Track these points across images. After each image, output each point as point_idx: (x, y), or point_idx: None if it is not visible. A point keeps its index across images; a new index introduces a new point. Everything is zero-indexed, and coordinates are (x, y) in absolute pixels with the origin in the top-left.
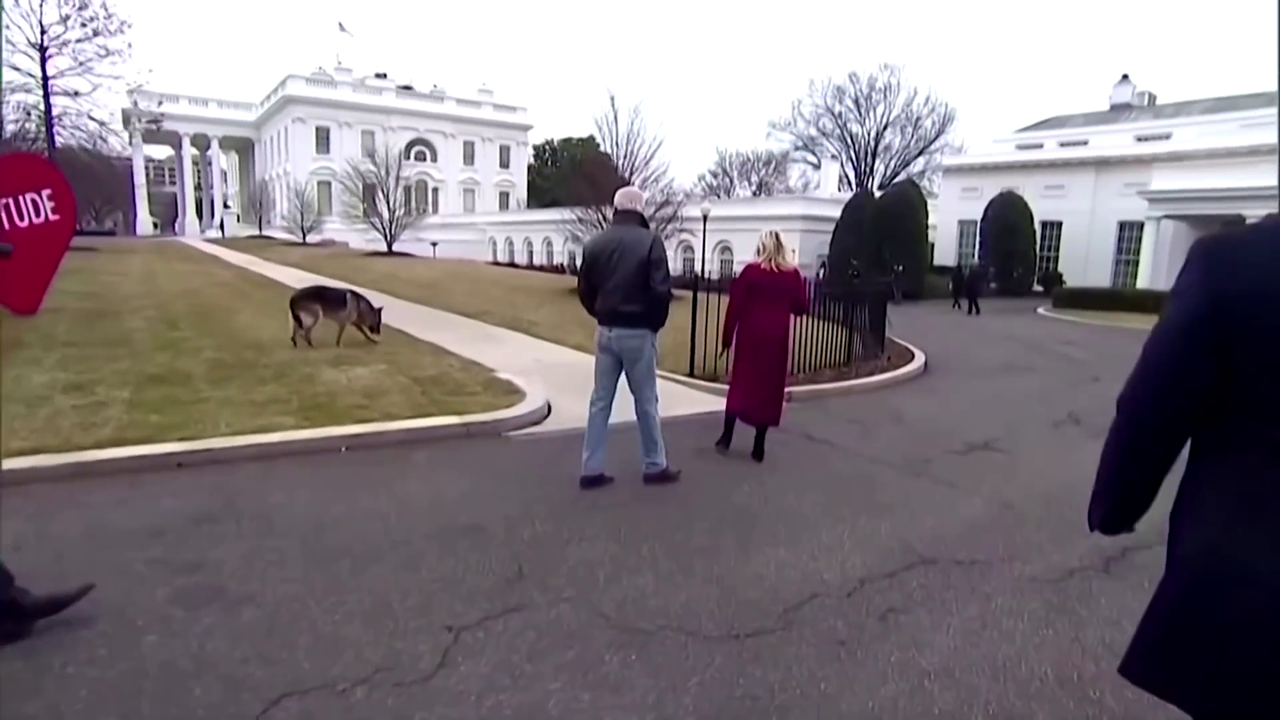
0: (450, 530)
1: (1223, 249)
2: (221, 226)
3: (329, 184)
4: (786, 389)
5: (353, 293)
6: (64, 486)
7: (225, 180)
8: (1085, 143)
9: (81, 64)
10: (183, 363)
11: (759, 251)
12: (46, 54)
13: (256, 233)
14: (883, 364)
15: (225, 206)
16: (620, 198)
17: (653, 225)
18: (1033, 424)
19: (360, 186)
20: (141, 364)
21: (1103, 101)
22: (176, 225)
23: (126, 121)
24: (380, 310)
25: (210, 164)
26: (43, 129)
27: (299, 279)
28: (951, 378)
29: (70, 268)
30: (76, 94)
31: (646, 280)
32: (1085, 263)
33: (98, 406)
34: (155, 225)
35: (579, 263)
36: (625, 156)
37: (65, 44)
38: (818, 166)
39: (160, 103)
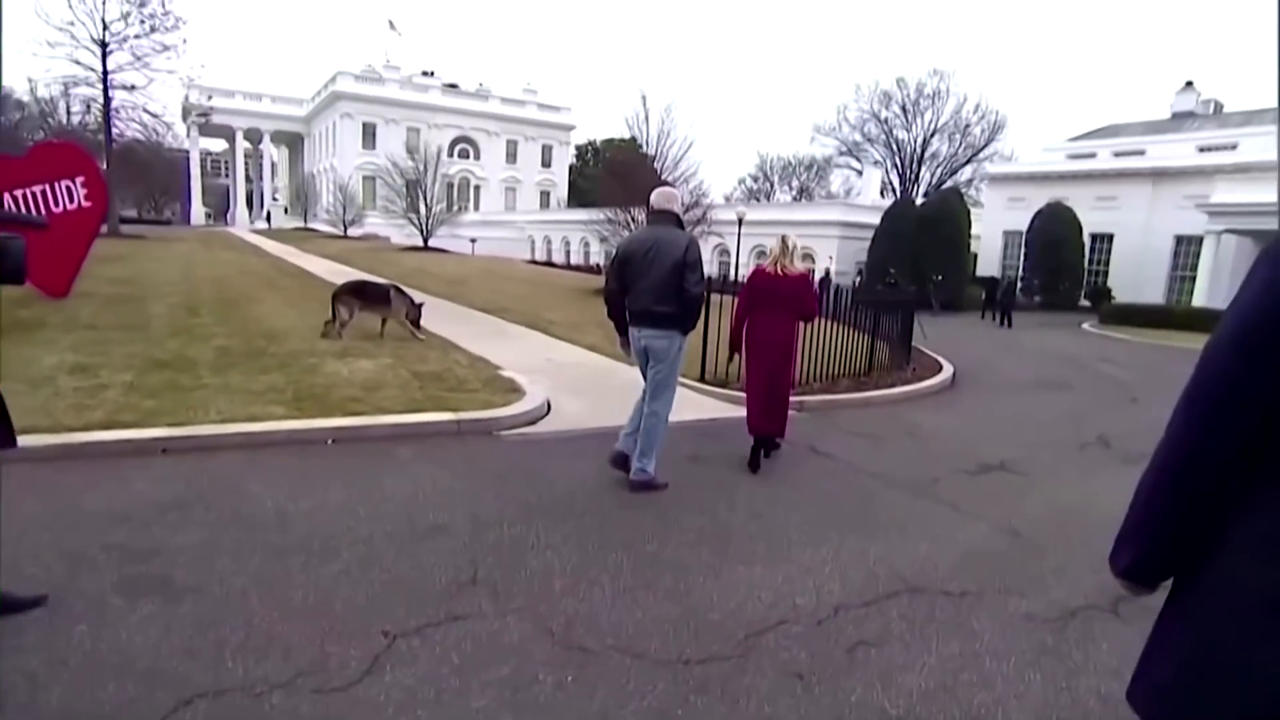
0: (415, 530)
1: None
2: (268, 218)
3: (374, 179)
4: (794, 399)
5: (396, 288)
6: (45, 467)
7: (275, 173)
8: (1142, 152)
9: (139, 58)
10: (192, 349)
11: (768, 255)
12: (107, 49)
13: (301, 225)
14: (906, 375)
15: (273, 199)
16: (656, 197)
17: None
18: (1057, 445)
19: (400, 182)
20: (151, 349)
21: (1164, 110)
22: (229, 216)
23: (185, 115)
24: (421, 305)
25: (262, 157)
26: (101, 121)
27: (329, 270)
28: (979, 393)
29: (116, 254)
30: (133, 88)
31: (681, 281)
32: (1137, 278)
33: (97, 389)
34: (209, 216)
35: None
36: (656, 157)
37: (125, 40)
38: (861, 173)
39: (210, 97)
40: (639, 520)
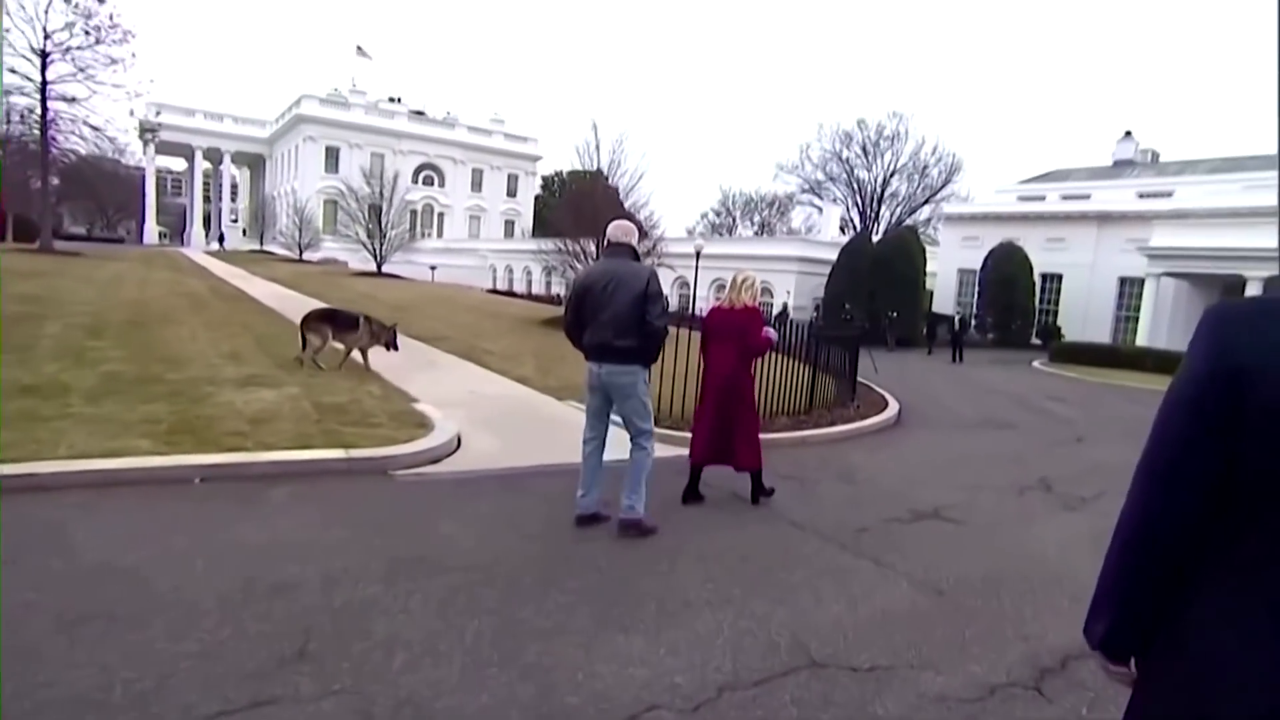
0: (253, 588)
1: (1234, 318)
2: (221, 239)
3: (335, 203)
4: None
5: (365, 316)
6: None
7: (236, 194)
8: (1088, 197)
9: (82, 70)
10: (72, 374)
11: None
12: (48, 59)
13: (257, 247)
14: (849, 414)
15: (231, 221)
16: (613, 230)
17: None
18: (997, 489)
19: (354, 206)
20: (22, 373)
21: (1106, 158)
22: (185, 236)
23: (141, 132)
24: (394, 328)
25: (222, 178)
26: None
27: (271, 295)
28: (923, 431)
29: (37, 270)
30: (74, 100)
31: (642, 315)
32: (1085, 317)
33: None
34: (164, 235)
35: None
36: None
37: (68, 50)
38: (822, 210)
39: (159, 112)
40: (518, 576)
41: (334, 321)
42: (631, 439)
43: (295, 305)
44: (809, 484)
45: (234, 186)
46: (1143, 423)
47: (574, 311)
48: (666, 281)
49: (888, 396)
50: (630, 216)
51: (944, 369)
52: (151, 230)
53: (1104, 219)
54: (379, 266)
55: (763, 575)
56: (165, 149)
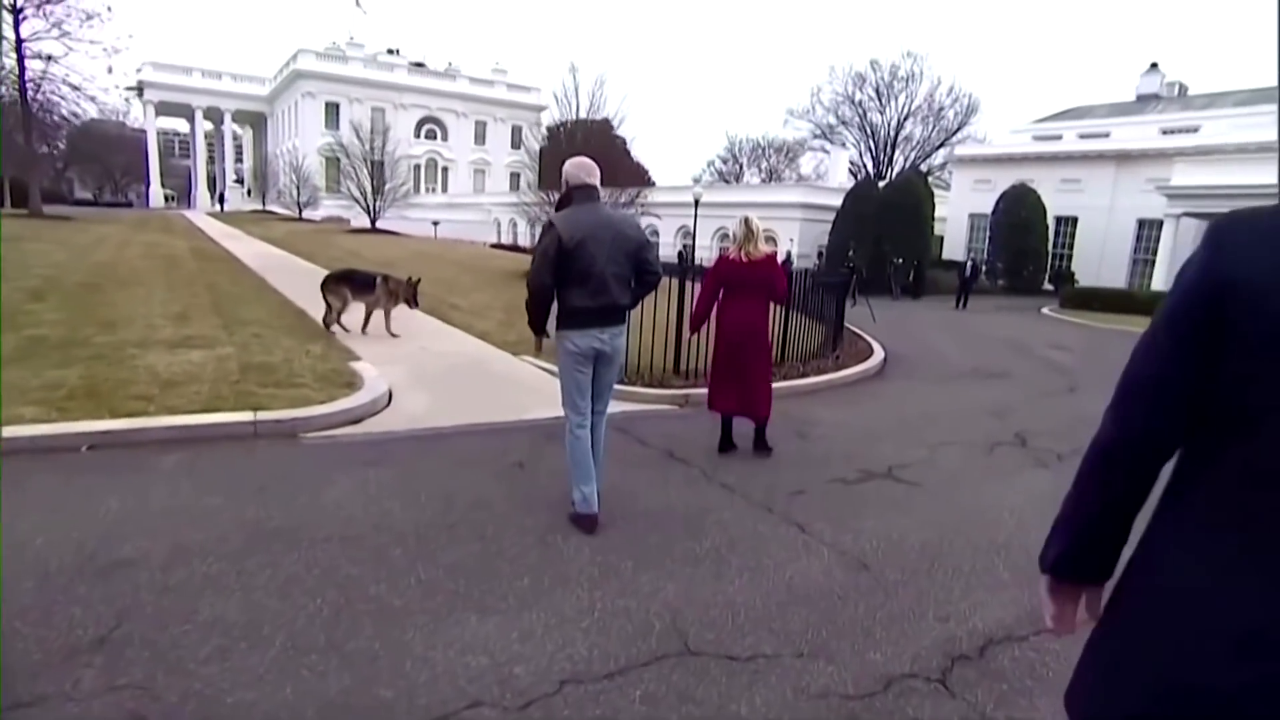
0: (87, 566)
1: (1235, 228)
2: (221, 200)
3: (337, 160)
4: (677, 392)
5: (382, 276)
6: None
7: (240, 155)
8: (1107, 135)
9: (56, 25)
10: None
11: (732, 239)
12: (20, 14)
13: (259, 207)
14: (827, 364)
15: (237, 181)
16: (574, 169)
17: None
18: (966, 445)
19: (347, 163)
20: None
21: (1130, 92)
22: (191, 198)
23: (137, 91)
24: (416, 282)
25: (222, 138)
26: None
27: (256, 254)
28: (904, 382)
29: (13, 234)
30: (50, 57)
31: (638, 269)
32: (1100, 261)
33: None
34: (171, 198)
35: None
36: (582, 136)
37: (40, 5)
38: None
39: (140, 69)
40: (389, 549)
41: (351, 282)
42: (601, 412)
43: (276, 264)
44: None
45: (239, 146)
46: None
47: (552, 273)
48: (669, 230)
49: (875, 346)
50: (632, 165)
51: (946, 317)
52: (156, 193)
53: (1123, 158)
54: (373, 223)
55: (665, 545)
56: (165, 110)
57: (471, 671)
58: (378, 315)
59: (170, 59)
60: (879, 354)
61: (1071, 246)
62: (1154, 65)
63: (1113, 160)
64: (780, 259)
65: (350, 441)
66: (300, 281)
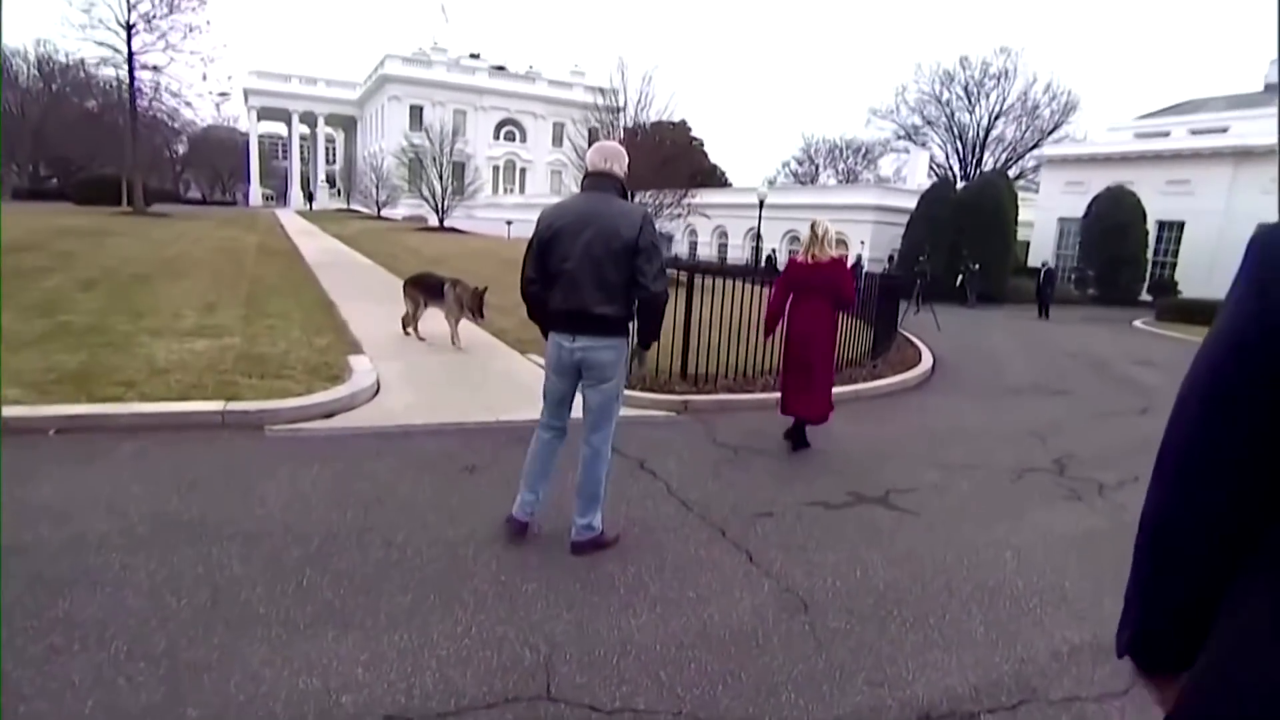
0: None
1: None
2: (310, 199)
3: (418, 160)
4: (677, 398)
5: (451, 281)
6: None
7: (330, 155)
8: (1225, 130)
9: (162, 37)
10: (24, 324)
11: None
12: (133, 30)
13: (344, 206)
14: (861, 373)
15: (327, 181)
16: (593, 155)
17: (649, 209)
18: (992, 470)
19: (416, 162)
20: None
21: (1256, 83)
22: (287, 198)
23: (246, 98)
24: (483, 291)
25: (316, 140)
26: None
27: (321, 249)
28: (947, 396)
29: (102, 228)
30: (155, 68)
31: (629, 273)
32: (1211, 270)
33: None
34: (270, 197)
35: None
36: (619, 128)
37: (151, 19)
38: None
39: (230, 77)
40: (286, 551)
41: (423, 286)
42: (586, 436)
43: (332, 259)
44: (745, 455)
45: (331, 148)
46: None
47: (535, 264)
48: (738, 233)
49: (926, 355)
50: (707, 166)
51: (1022, 326)
52: (256, 193)
53: (1243, 155)
54: (441, 222)
55: (584, 567)
56: (266, 114)
57: (295, 695)
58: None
59: (270, 67)
60: (925, 364)
61: (1176, 254)
62: None
63: (1230, 158)
64: (850, 262)
65: (312, 436)
66: (346, 276)
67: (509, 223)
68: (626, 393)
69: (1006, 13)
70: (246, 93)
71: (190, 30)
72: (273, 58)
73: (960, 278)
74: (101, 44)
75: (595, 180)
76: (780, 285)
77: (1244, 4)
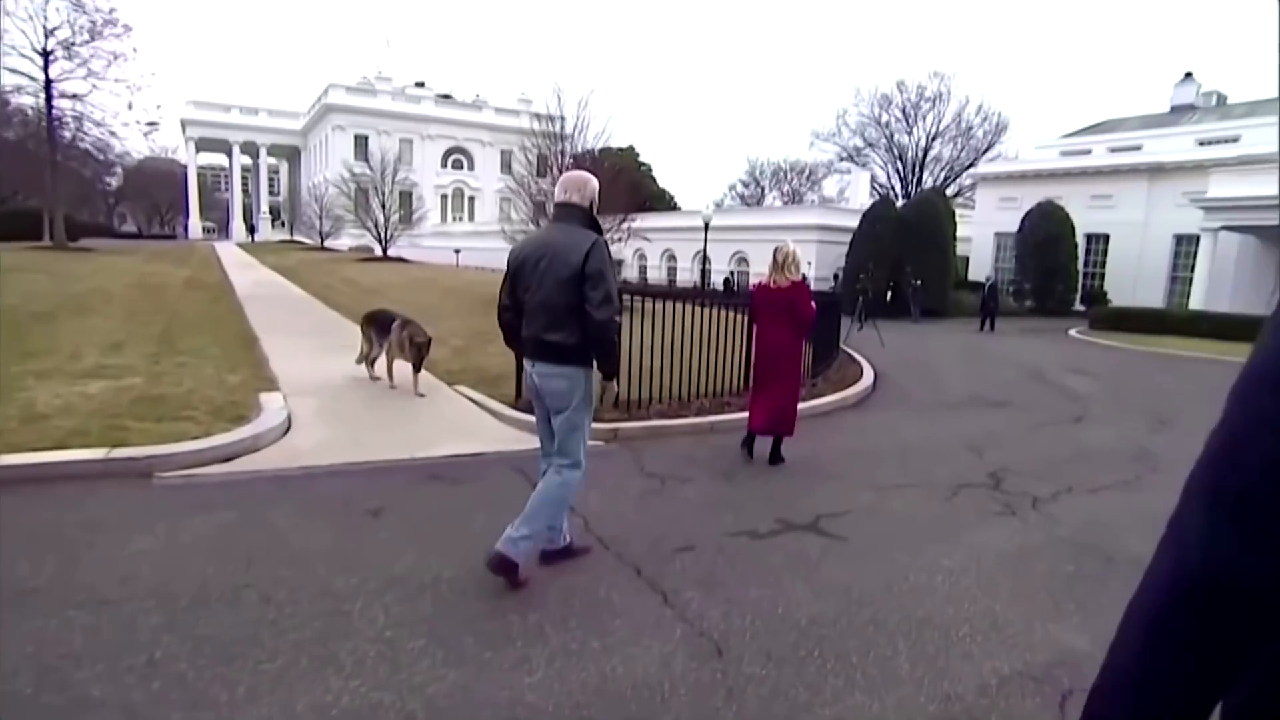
0: None
1: None
2: (252, 231)
3: (366, 191)
4: (608, 426)
5: (402, 320)
6: None
7: (275, 187)
8: (1139, 147)
9: (84, 64)
10: None
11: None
12: (50, 57)
13: (287, 237)
14: (804, 392)
15: (264, 213)
16: (560, 186)
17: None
18: (927, 487)
19: (356, 191)
20: None
21: (1164, 104)
22: (229, 230)
23: (183, 129)
24: (424, 343)
25: (258, 171)
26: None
27: (255, 281)
28: (887, 413)
29: (14, 265)
30: (76, 96)
31: (580, 300)
32: (1135, 280)
33: None
34: (211, 230)
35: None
36: (566, 154)
37: (69, 46)
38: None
39: (159, 106)
40: (144, 618)
41: (376, 324)
42: (554, 460)
43: (265, 292)
44: (673, 484)
45: (274, 179)
46: (1170, 396)
47: (508, 294)
48: (655, 254)
49: (868, 372)
50: (657, 190)
51: (965, 340)
52: (196, 225)
53: (1157, 171)
54: (384, 251)
55: (481, 617)
56: (205, 145)
57: None
58: (399, 364)
59: (209, 96)
60: (866, 381)
61: (1104, 265)
62: (1188, 75)
63: (1145, 174)
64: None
65: (206, 483)
66: (276, 308)
67: (457, 251)
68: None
69: (938, 37)
70: (184, 123)
71: (115, 58)
72: (212, 88)
73: (890, 293)
74: (14, 71)
75: (559, 211)
76: (751, 308)
77: (1151, 33)
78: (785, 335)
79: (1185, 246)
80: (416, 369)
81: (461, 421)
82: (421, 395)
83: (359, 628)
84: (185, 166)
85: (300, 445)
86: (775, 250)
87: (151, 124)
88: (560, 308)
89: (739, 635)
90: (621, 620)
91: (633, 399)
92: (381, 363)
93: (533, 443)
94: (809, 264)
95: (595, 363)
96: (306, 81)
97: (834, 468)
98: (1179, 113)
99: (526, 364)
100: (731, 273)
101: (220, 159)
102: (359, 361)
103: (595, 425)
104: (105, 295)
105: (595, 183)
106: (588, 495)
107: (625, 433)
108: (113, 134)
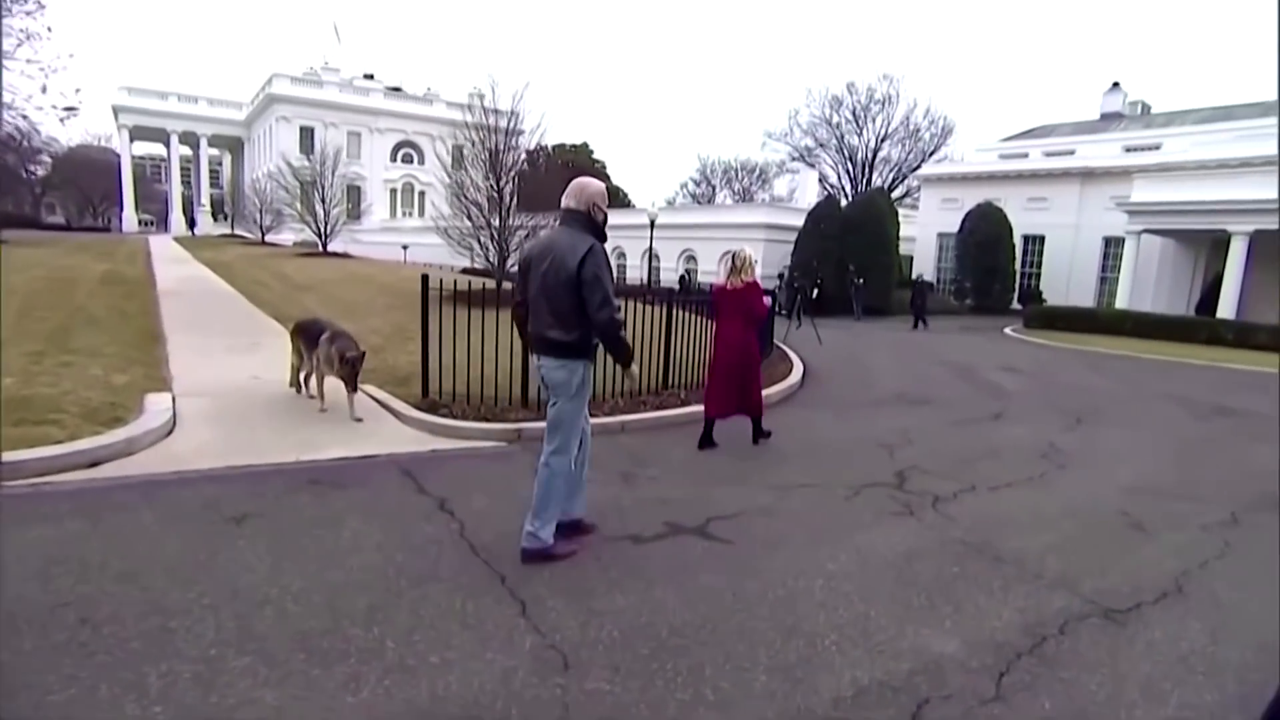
0: None
1: None
2: (192, 225)
3: (321, 186)
4: (511, 426)
5: (333, 332)
6: None
7: (218, 179)
8: (1072, 152)
9: None
10: None
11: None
12: None
13: (229, 231)
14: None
15: (213, 207)
16: (566, 193)
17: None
18: (829, 487)
19: (294, 183)
20: None
21: (1095, 112)
22: (168, 222)
23: (115, 115)
24: (355, 359)
25: (199, 162)
26: None
27: (182, 277)
28: (807, 411)
29: None
30: None
31: (578, 301)
32: (1069, 280)
33: None
34: (150, 223)
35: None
36: (504, 149)
37: None
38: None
39: (77, 90)
40: None
41: (308, 336)
42: (544, 447)
43: (189, 288)
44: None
45: (216, 171)
46: (1089, 393)
47: (521, 292)
48: (635, 253)
49: (797, 370)
50: (610, 188)
51: (901, 338)
52: (130, 218)
53: (1088, 175)
54: (323, 246)
55: (321, 632)
56: (140, 134)
57: None
58: (329, 379)
59: (145, 83)
60: (793, 378)
61: (1040, 265)
62: (1116, 84)
63: (1077, 178)
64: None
65: (58, 490)
66: (195, 305)
67: (405, 247)
68: (454, 422)
69: (889, 40)
70: (116, 110)
71: (28, 37)
72: (153, 75)
73: (816, 290)
74: None
75: (563, 215)
76: (712, 306)
77: (1086, 42)
78: (740, 330)
79: (1113, 248)
80: (351, 388)
81: (356, 425)
82: (359, 420)
83: (181, 647)
84: (119, 156)
85: (179, 449)
86: (733, 256)
87: (69, 109)
88: (560, 307)
89: (591, 647)
90: (471, 633)
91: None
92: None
93: (429, 444)
94: (756, 262)
95: (607, 354)
96: (253, 71)
97: (740, 468)
98: (1108, 120)
99: (533, 358)
100: (687, 271)
101: (159, 149)
102: (291, 383)
103: (497, 426)
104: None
105: (594, 187)
106: (475, 499)
107: (530, 433)
108: (24, 117)
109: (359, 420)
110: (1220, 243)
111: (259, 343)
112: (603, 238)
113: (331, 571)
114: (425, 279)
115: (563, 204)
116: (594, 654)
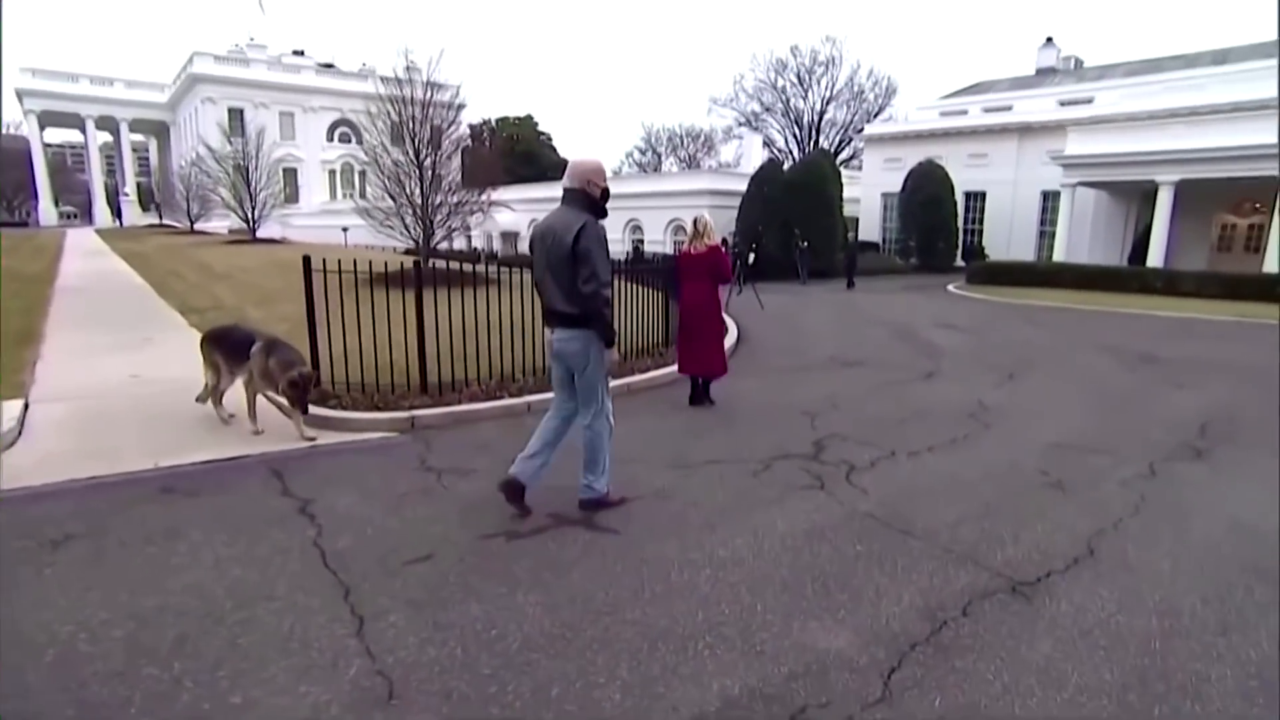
0: None
1: None
2: (117, 215)
3: (246, 169)
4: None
5: (267, 342)
6: None
7: (146, 166)
8: (1009, 108)
9: None
10: None
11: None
12: None
13: (157, 221)
14: (651, 362)
15: (140, 196)
16: (565, 174)
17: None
18: (738, 462)
19: (218, 168)
20: None
21: (1031, 67)
22: (92, 214)
23: (20, 101)
24: (304, 377)
25: (121, 148)
26: None
27: (91, 272)
28: (742, 378)
29: None
30: None
31: (577, 275)
32: (1010, 236)
33: None
34: (71, 215)
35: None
36: (422, 121)
37: None
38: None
39: None
40: None
41: (226, 348)
42: (580, 415)
43: (94, 284)
44: (451, 478)
45: (143, 158)
46: (1024, 347)
47: (535, 268)
48: (616, 227)
49: (730, 338)
50: (557, 160)
51: (844, 300)
52: (48, 210)
53: (1025, 130)
54: (253, 232)
55: (90, 678)
56: (52, 120)
57: None
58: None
59: (53, 65)
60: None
61: (982, 221)
62: (1049, 39)
63: (1015, 133)
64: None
65: None
66: (92, 302)
67: (345, 229)
68: (341, 413)
69: (832, 1)
70: (20, 94)
71: None
72: (61, 55)
73: (753, 255)
74: None
75: (565, 194)
76: (676, 271)
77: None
78: (706, 292)
79: (1051, 202)
80: (301, 409)
81: (238, 421)
82: (311, 439)
83: None
84: (30, 144)
85: (19, 461)
86: (695, 220)
87: None
88: (564, 281)
89: (426, 670)
90: (292, 660)
91: (444, 381)
92: (241, 399)
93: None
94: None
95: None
96: (174, 49)
97: (648, 446)
98: (1043, 75)
99: (547, 329)
100: (640, 240)
101: (77, 136)
102: (201, 399)
103: (389, 415)
104: None
105: (588, 164)
106: (343, 498)
107: (424, 420)
108: None
109: (311, 440)
110: (1149, 194)
111: (152, 338)
112: (601, 213)
113: (147, 598)
114: (307, 260)
115: (564, 184)
116: (426, 678)
